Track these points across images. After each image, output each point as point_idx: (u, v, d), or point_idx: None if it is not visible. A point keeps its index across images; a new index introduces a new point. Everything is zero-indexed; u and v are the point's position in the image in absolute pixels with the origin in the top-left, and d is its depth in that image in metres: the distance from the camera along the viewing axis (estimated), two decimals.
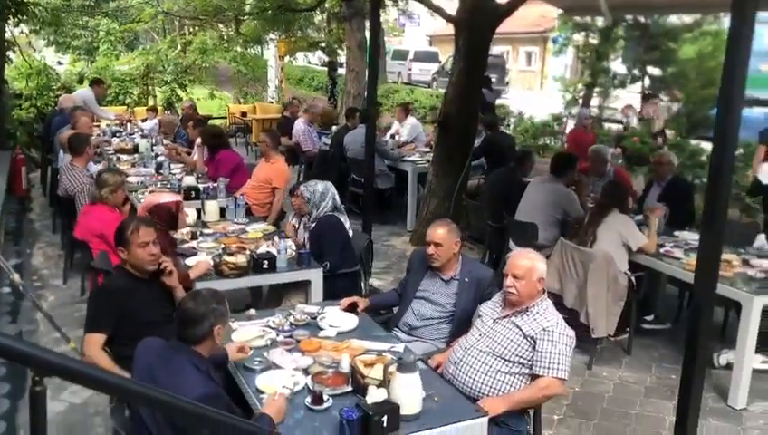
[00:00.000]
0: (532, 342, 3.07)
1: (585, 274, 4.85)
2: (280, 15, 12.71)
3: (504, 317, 3.21)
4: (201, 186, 6.39)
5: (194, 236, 4.98)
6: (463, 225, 7.42)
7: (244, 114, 14.14)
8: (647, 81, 14.95)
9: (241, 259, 4.35)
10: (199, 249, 4.74)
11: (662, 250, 5.11)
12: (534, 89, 36.10)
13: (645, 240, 4.98)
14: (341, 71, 19.01)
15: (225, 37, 14.96)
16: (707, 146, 11.99)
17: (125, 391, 1.66)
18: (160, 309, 3.33)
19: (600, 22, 14.13)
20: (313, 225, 4.88)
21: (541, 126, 15.16)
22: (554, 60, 35.22)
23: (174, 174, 7.25)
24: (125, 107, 14.18)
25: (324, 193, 4.92)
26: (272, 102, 16.78)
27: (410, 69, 32.78)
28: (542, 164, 8.95)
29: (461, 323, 3.69)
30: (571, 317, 4.23)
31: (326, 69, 19.61)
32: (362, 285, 4.98)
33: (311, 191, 4.92)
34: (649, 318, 5.48)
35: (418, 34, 38.90)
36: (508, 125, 16.11)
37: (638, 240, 4.96)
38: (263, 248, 4.63)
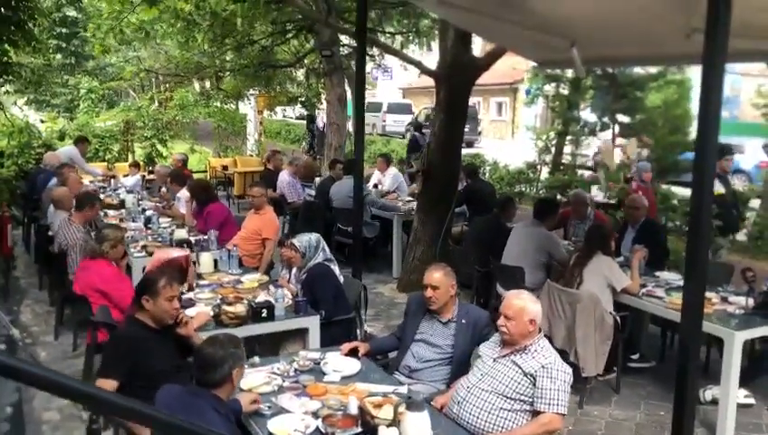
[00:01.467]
0: (531, 379, 3.21)
1: (573, 314, 5.02)
2: (261, 72, 13.02)
3: (504, 356, 3.34)
4: (192, 238, 6.49)
5: (191, 288, 5.07)
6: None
7: (225, 168, 14.30)
8: (616, 128, 15.51)
9: (240, 309, 4.45)
10: (197, 300, 4.82)
11: (644, 290, 5.31)
12: (506, 138, 36.89)
13: (628, 281, 5.18)
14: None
15: (205, 93, 15.22)
16: (676, 190, 12.43)
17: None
18: (171, 359, 3.42)
19: (569, 73, 14.71)
20: (305, 275, 5.01)
21: (515, 173, 15.56)
22: (525, 110, 36.21)
23: (163, 228, 7.35)
24: (105, 163, 14.32)
25: (317, 245, 5.06)
26: (251, 156, 16.98)
27: (384, 120, 33.33)
28: (520, 210, 9.21)
29: (460, 364, 3.82)
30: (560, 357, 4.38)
31: (303, 122, 19.97)
32: (358, 331, 5.08)
33: (304, 245, 5.05)
34: (635, 357, 5.63)
35: (391, 87, 39.71)
36: (484, 173, 16.53)
37: (622, 281, 5.16)
38: (261, 297, 4.73)
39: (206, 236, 6.48)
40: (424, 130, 16.77)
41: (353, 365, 3.71)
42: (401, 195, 9.68)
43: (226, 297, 4.82)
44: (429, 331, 3.93)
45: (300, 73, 16.00)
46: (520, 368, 3.26)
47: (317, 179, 10.82)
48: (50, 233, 6.83)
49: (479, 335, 3.85)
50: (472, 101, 36.25)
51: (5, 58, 8.66)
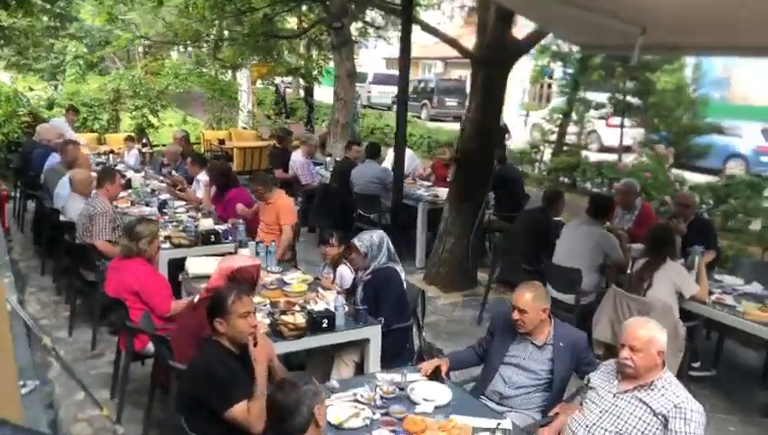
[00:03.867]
0: (663, 420, 2.88)
1: None
2: (263, 41, 12.41)
3: (626, 392, 3.00)
4: (219, 228, 6.03)
5: None
6: (486, 265, 7.31)
7: (221, 141, 13.69)
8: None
9: (300, 319, 4.05)
10: None
11: (713, 297, 5.02)
12: None
13: (697, 288, 4.87)
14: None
15: (201, 62, 14.51)
16: (691, 176, 12.21)
17: None
18: (251, 387, 3.01)
19: (576, 50, 14.31)
20: (368, 277, 4.60)
21: (518, 154, 15.19)
22: (512, 85, 35.85)
23: (178, 213, 6.87)
24: (94, 134, 13.63)
25: (380, 244, 4.62)
26: (245, 129, 16.37)
27: (369, 92, 32.77)
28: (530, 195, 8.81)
29: (558, 391, 3.49)
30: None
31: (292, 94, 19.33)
32: (412, 339, 4.71)
33: (367, 244, 4.61)
34: (696, 365, 5.36)
35: (374, 57, 38.98)
36: None
37: (692, 288, 4.85)
38: (320, 305, 4.33)
39: (224, 226, 6.07)
40: None
41: (444, 393, 3.33)
42: (416, 178, 9.27)
43: (278, 303, 4.42)
44: (522, 354, 3.58)
45: (302, 45, 15.35)
46: (648, 406, 2.92)
47: (327, 159, 10.36)
48: (62, 218, 6.30)
49: (577, 360, 3.52)
50: (459, 73, 35.75)
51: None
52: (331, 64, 12.72)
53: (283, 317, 4.05)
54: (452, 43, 7.30)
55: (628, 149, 18.08)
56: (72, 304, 6.01)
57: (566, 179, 14.11)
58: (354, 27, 12.61)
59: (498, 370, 3.61)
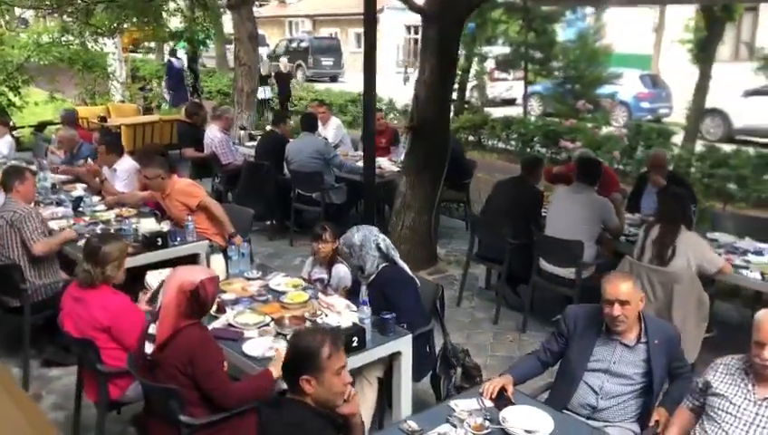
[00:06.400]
0: None
1: (669, 296, 4.40)
2: (143, 2, 10.99)
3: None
4: (164, 229, 5.08)
5: (220, 309, 3.82)
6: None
7: (103, 119, 12.14)
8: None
9: None
10: (244, 327, 3.61)
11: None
12: None
13: (722, 262, 4.60)
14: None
15: (66, 28, 12.69)
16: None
17: None
18: None
19: None
20: (372, 278, 3.95)
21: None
22: (385, 41, 35.27)
23: (98, 211, 5.78)
24: None
25: (364, 244, 3.94)
26: (123, 102, 14.74)
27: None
28: None
29: (657, 396, 3.05)
30: None
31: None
32: (433, 343, 4.12)
33: (348, 245, 3.95)
34: None
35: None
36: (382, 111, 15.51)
37: (716, 262, 4.55)
38: (332, 317, 3.63)
39: (165, 225, 5.15)
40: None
41: (546, 422, 2.77)
42: (348, 150, 8.56)
43: (282, 321, 3.67)
44: (611, 357, 3.09)
45: (183, 5, 13.83)
46: None
47: (241, 133, 9.37)
48: None
49: (672, 356, 3.09)
50: (330, 32, 34.94)
51: None
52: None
53: None
54: None
55: (510, 102, 18.25)
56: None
57: (471, 137, 13.89)
58: None
59: (583, 378, 3.11)
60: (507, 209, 5.58)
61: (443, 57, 6.39)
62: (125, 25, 12.64)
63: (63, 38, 12.84)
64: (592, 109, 11.77)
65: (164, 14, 13.38)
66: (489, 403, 2.95)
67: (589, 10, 13.39)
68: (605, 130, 11.51)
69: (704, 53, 11.19)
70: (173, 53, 17.03)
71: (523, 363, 3.34)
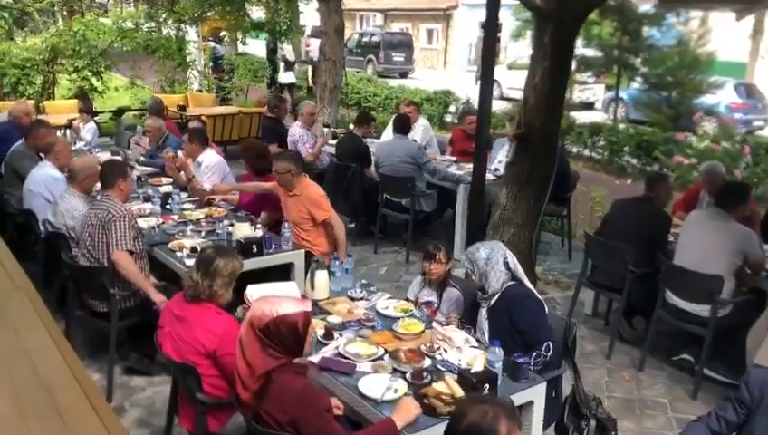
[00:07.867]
0: None
1: None
2: None
3: None
4: (257, 234, 4.73)
5: (328, 334, 3.42)
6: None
7: (182, 108, 11.99)
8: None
9: (456, 387, 2.88)
10: (356, 359, 3.20)
11: None
12: (437, 68, 35.39)
13: None
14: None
15: (150, 15, 12.65)
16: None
17: None
18: None
19: None
20: (494, 300, 3.52)
21: (500, 116, 14.14)
22: (458, 38, 34.65)
23: (186, 210, 5.48)
24: (31, 101, 11.68)
25: (490, 258, 3.54)
26: (200, 91, 14.63)
27: (309, 45, 30.89)
28: None
29: None
30: None
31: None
32: (561, 387, 3.64)
33: (471, 260, 3.55)
34: None
35: (310, 8, 36.99)
36: (458, 112, 14.96)
37: None
38: (453, 354, 3.20)
39: (259, 231, 4.80)
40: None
41: None
42: (436, 154, 8.09)
43: (398, 354, 3.24)
44: None
45: None
46: None
47: (325, 130, 9.00)
48: (43, 227, 4.85)
49: None
50: (400, 26, 34.56)
51: None
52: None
53: (435, 386, 2.89)
54: None
55: (589, 106, 17.39)
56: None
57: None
58: None
59: None
60: (629, 233, 5.01)
61: (557, 60, 5.85)
62: (209, 14, 12.46)
63: (146, 25, 12.77)
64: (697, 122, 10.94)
65: (246, 4, 13.17)
66: None
67: (693, 14, 12.51)
68: (705, 143, 10.69)
69: None
70: (218, 39, 16.84)
71: (692, 431, 2.82)
